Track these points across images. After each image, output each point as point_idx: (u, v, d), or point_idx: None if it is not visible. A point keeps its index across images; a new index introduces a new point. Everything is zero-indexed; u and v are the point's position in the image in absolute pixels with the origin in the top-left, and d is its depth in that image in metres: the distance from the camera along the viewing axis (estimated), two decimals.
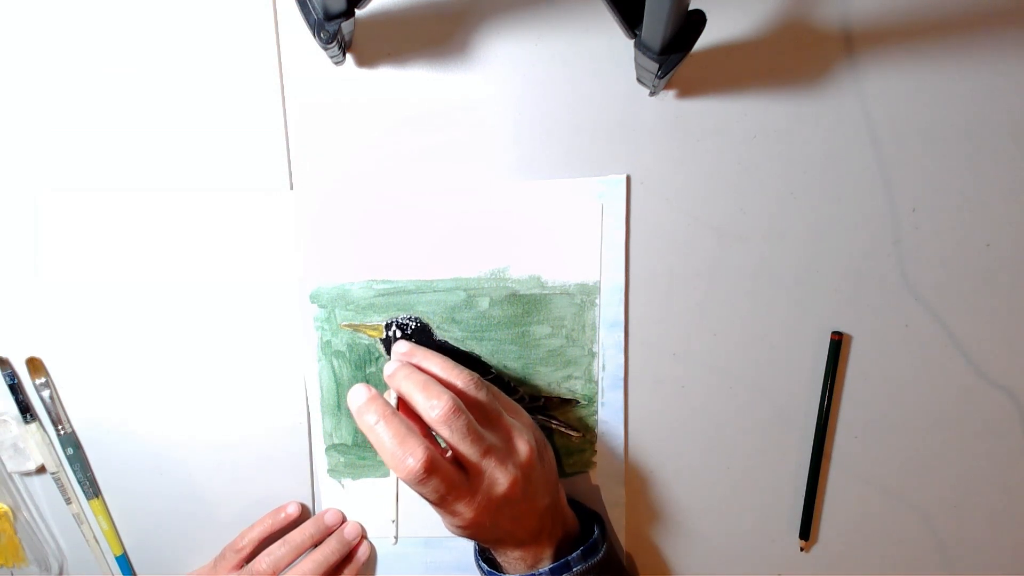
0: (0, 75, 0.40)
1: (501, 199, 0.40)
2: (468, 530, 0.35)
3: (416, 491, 0.33)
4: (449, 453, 0.34)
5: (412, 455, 0.31)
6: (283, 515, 0.45)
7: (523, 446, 0.35)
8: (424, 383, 0.33)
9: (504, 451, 0.34)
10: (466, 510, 0.33)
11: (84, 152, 0.40)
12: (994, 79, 0.37)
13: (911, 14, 0.37)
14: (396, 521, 0.34)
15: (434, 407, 0.32)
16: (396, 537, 0.34)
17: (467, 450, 0.33)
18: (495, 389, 0.37)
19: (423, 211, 0.40)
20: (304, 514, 0.46)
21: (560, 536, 0.38)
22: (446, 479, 0.32)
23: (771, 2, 0.37)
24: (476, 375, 0.36)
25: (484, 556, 0.41)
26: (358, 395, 0.34)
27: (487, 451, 0.33)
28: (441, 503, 0.33)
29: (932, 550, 0.45)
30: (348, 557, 0.45)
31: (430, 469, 0.31)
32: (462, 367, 0.36)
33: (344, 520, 0.45)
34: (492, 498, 0.34)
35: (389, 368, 0.36)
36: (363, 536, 0.45)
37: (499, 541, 0.37)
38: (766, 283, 0.41)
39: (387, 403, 0.34)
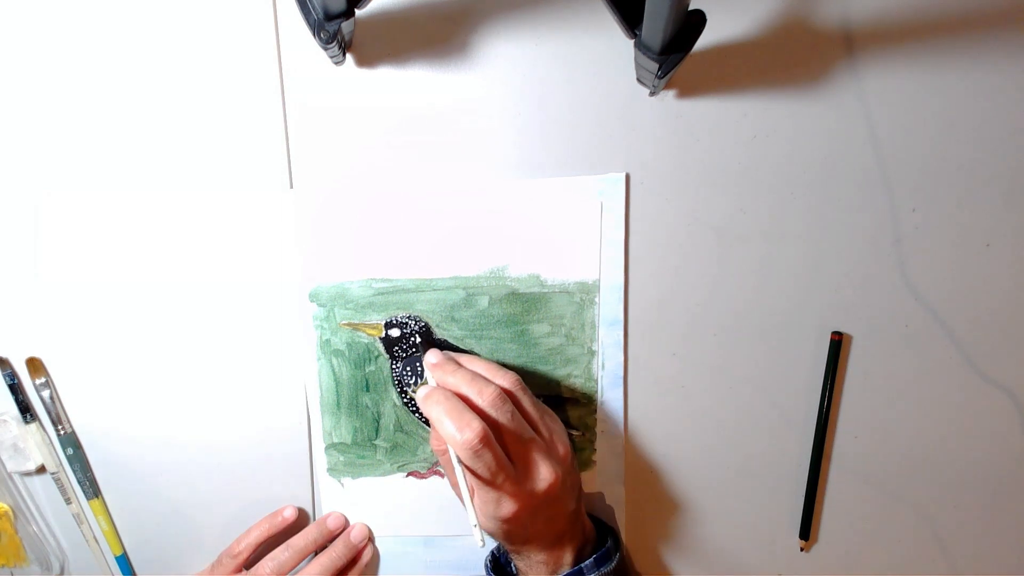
0: (1, 76, 0.40)
1: (500, 198, 0.40)
2: (507, 523, 0.35)
3: (469, 464, 0.33)
4: None
5: (469, 427, 0.32)
6: (280, 519, 0.44)
7: (562, 447, 0.37)
8: (471, 377, 0.35)
9: (546, 448, 0.36)
10: (510, 501, 0.34)
11: (84, 152, 0.40)
12: (994, 79, 0.37)
13: (911, 14, 0.37)
14: (478, 525, 0.35)
15: (481, 394, 0.34)
16: (483, 541, 0.35)
17: (513, 431, 0.34)
18: (532, 396, 0.38)
19: (422, 210, 0.40)
20: (301, 517, 0.46)
21: (579, 543, 0.39)
22: (497, 455, 0.33)
23: (771, 2, 0.37)
24: (519, 378, 0.37)
25: (495, 567, 0.42)
26: (422, 390, 0.36)
27: (531, 440, 0.35)
28: (492, 481, 0.34)
29: (932, 550, 0.45)
30: (352, 560, 0.44)
31: (485, 440, 0.32)
32: (507, 370, 0.37)
33: (347, 523, 0.45)
34: (535, 493, 0.35)
35: (431, 358, 0.38)
36: (369, 539, 0.45)
37: (527, 542, 0.37)
38: (766, 283, 0.41)
39: (447, 390, 0.35)
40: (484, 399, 0.34)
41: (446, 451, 0.36)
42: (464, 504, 0.35)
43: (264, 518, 0.45)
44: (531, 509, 0.35)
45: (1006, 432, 0.42)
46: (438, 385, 0.36)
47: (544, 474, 0.35)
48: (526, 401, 0.36)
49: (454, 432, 0.32)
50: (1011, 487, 0.43)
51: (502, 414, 0.34)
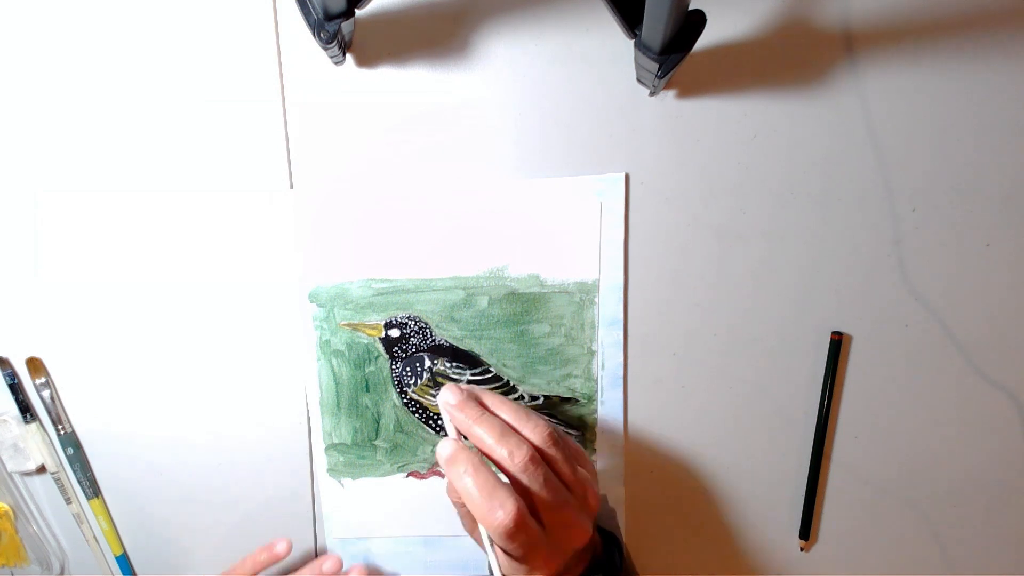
0: (2, 77, 0.40)
1: (500, 198, 0.40)
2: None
3: (502, 546, 0.31)
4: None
5: (502, 507, 0.30)
6: (272, 553, 0.43)
7: (593, 499, 0.34)
8: (500, 433, 0.32)
9: (578, 505, 0.33)
10: (541, 569, 0.32)
11: (84, 153, 0.40)
12: (994, 79, 0.37)
13: (911, 14, 0.37)
14: None
15: (514, 455, 0.31)
16: None
17: (547, 499, 0.31)
18: (567, 440, 0.36)
19: (422, 210, 0.40)
20: (302, 556, 0.45)
21: (588, 562, 0.37)
22: (531, 533, 0.31)
23: (771, 2, 0.37)
24: (551, 426, 0.34)
25: None
26: (445, 447, 0.33)
27: (565, 503, 0.32)
28: (523, 559, 0.32)
29: (932, 550, 0.45)
30: None
31: (520, 524, 0.30)
32: (537, 417, 0.34)
33: (340, 567, 0.44)
34: (566, 553, 0.33)
35: (451, 399, 0.34)
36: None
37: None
38: (766, 283, 0.41)
39: (475, 454, 0.32)
40: (516, 462, 0.31)
41: (463, 503, 0.33)
42: (487, 554, 0.32)
43: (258, 550, 0.43)
44: (559, 568, 0.33)
45: (1006, 432, 0.42)
46: (460, 437, 0.33)
47: (577, 534, 0.32)
48: (559, 457, 0.33)
49: (485, 512, 0.30)
50: (1011, 487, 0.43)
51: (535, 480, 0.31)
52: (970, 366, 0.41)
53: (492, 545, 0.32)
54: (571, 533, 0.33)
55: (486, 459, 0.32)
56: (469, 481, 0.31)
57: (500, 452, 0.31)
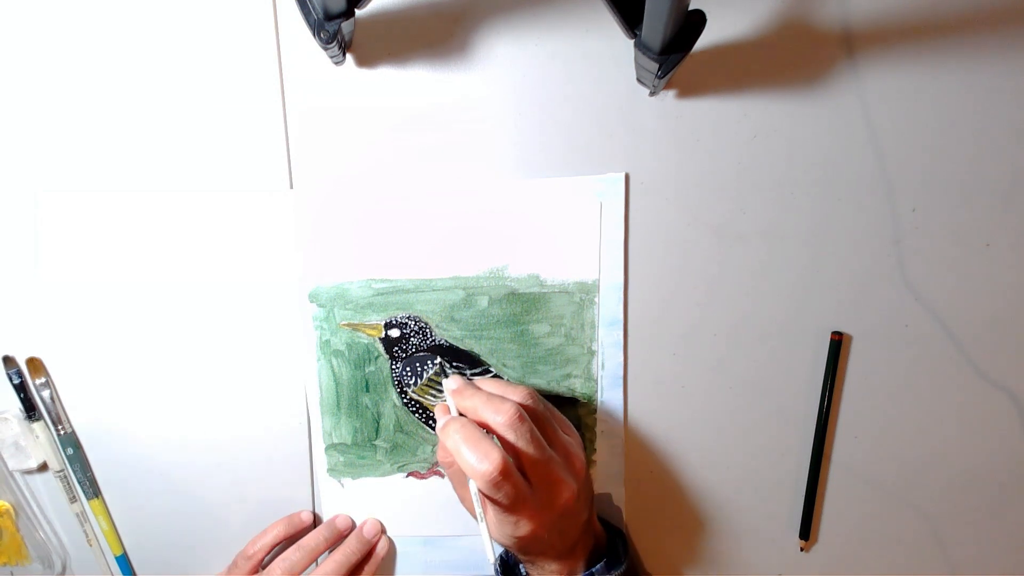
0: (2, 77, 0.40)
1: (500, 198, 0.40)
2: (524, 541, 0.35)
3: (489, 494, 0.33)
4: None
5: (488, 457, 0.31)
6: (298, 520, 0.45)
7: (578, 461, 0.36)
8: (487, 397, 0.35)
9: (563, 464, 0.35)
10: (528, 523, 0.34)
11: (84, 152, 0.40)
12: (994, 79, 0.37)
13: (911, 14, 0.37)
14: (491, 540, 0.34)
15: (499, 412, 0.33)
16: (495, 557, 0.34)
17: (532, 454, 0.33)
18: (550, 405, 0.38)
19: (422, 210, 0.40)
20: (316, 522, 0.46)
21: (591, 549, 0.39)
22: (517, 484, 0.32)
23: (771, 2, 0.37)
24: (531, 388, 0.36)
25: (505, 570, 0.41)
26: (440, 420, 0.35)
27: (549, 459, 0.34)
28: (510, 510, 0.33)
29: (932, 550, 0.45)
30: (367, 555, 0.45)
31: (506, 473, 0.31)
32: (518, 385, 0.37)
33: (354, 525, 0.45)
34: (552, 509, 0.34)
35: (452, 384, 0.37)
36: (382, 532, 0.45)
37: (541, 554, 0.37)
38: (766, 283, 0.41)
39: (463, 419, 0.34)
40: (503, 418, 0.33)
41: (452, 463, 0.35)
42: (477, 520, 0.34)
43: (280, 520, 0.45)
44: (548, 526, 0.34)
45: (1006, 432, 0.42)
46: (457, 413, 0.36)
47: (561, 492, 0.34)
48: (542, 415, 0.36)
49: (473, 463, 0.31)
50: (1011, 487, 0.43)
51: (520, 436, 0.33)
52: (970, 366, 0.41)
53: (481, 498, 0.34)
54: (556, 489, 0.34)
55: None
56: (458, 437, 0.33)
57: (488, 414, 0.34)
